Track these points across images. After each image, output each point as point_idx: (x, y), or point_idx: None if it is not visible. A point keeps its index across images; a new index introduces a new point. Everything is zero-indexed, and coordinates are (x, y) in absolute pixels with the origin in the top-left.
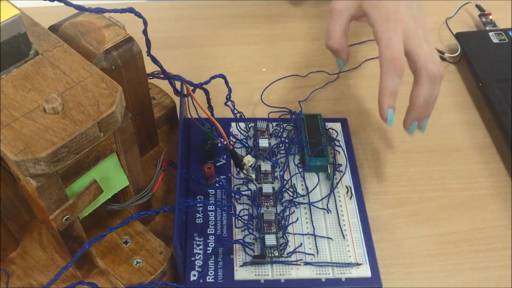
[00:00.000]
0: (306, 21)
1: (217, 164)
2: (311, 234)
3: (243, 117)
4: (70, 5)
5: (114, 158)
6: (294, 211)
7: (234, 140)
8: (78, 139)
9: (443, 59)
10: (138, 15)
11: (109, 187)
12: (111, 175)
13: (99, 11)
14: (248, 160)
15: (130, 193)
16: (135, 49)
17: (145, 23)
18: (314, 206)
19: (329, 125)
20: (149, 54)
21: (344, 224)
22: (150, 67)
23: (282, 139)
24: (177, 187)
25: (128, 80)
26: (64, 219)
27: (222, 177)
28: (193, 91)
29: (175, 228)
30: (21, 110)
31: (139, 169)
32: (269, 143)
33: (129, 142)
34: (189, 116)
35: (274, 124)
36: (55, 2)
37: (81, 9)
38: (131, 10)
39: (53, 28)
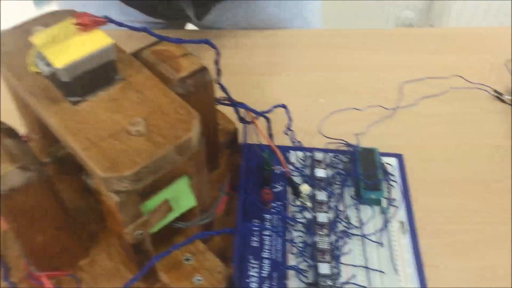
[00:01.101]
0: (366, 53)
1: (274, 190)
2: (363, 266)
3: (301, 146)
4: (153, 35)
5: (185, 180)
6: (347, 242)
7: (291, 168)
8: (158, 161)
9: (501, 100)
10: (213, 46)
11: (178, 206)
12: (180, 195)
13: (178, 41)
14: (305, 188)
15: (195, 213)
16: (207, 78)
17: (218, 53)
18: (367, 238)
19: (384, 159)
20: (218, 82)
21: (397, 259)
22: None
23: (338, 170)
24: (239, 211)
25: (199, 106)
26: (137, 233)
27: (278, 203)
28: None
29: (236, 250)
30: (108, 131)
31: (205, 191)
32: (326, 173)
33: (200, 166)
34: (249, 142)
35: (331, 155)
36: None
37: (162, 38)
38: (206, 41)
39: (135, 54)
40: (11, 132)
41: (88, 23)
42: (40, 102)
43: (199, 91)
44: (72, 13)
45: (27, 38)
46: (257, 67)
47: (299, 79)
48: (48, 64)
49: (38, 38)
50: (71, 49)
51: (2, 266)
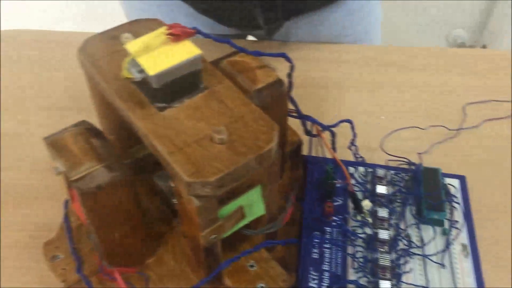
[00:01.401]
0: (428, 72)
1: (335, 203)
2: (424, 287)
3: (364, 162)
4: (235, 46)
5: (259, 188)
6: (408, 261)
7: (353, 183)
8: (240, 169)
9: None
10: (289, 60)
11: (249, 213)
12: (253, 203)
13: (256, 54)
14: (366, 204)
15: (262, 221)
16: (283, 90)
17: (292, 67)
18: (428, 258)
19: (447, 180)
20: (289, 95)
21: (458, 282)
22: None
23: (400, 188)
24: (304, 222)
25: (273, 117)
26: (212, 237)
27: (339, 216)
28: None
29: (301, 261)
30: (192, 137)
31: (274, 200)
32: (387, 190)
33: (273, 176)
34: (312, 155)
35: (392, 172)
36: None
37: (241, 50)
38: (283, 55)
39: (213, 64)
40: (97, 132)
41: (179, 33)
42: (128, 106)
43: (274, 103)
44: (157, 22)
45: (114, 44)
46: (322, 81)
47: (361, 95)
48: (141, 71)
49: (132, 46)
50: (162, 58)
51: (76, 259)
